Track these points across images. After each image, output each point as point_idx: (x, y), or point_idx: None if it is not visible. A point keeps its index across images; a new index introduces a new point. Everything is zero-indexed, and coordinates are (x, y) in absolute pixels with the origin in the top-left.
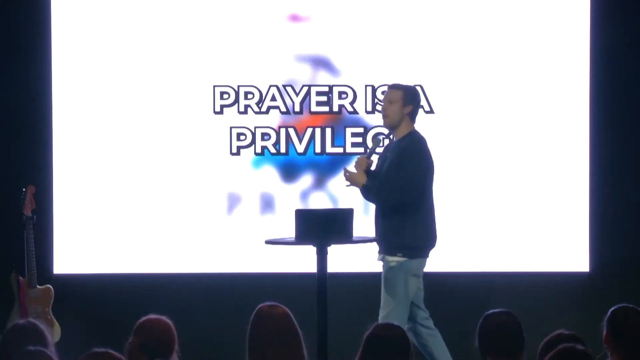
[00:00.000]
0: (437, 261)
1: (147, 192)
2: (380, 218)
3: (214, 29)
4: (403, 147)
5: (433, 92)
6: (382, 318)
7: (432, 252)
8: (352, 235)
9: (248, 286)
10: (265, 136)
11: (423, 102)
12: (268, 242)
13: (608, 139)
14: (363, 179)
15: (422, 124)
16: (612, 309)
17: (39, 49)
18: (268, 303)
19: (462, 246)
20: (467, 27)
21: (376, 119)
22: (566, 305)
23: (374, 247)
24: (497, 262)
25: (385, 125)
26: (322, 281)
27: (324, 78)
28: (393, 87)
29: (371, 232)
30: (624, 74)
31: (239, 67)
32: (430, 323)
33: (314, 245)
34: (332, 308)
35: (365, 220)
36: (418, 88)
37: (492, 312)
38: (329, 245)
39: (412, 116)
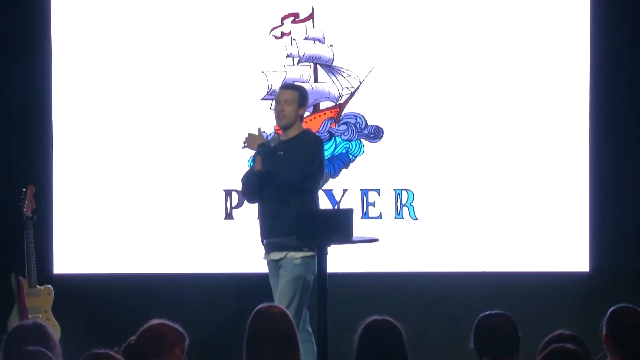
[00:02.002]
0: (437, 261)
1: (146, 192)
2: (288, 217)
3: (214, 27)
4: (304, 138)
5: (433, 91)
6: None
7: (432, 252)
8: (352, 235)
9: (248, 286)
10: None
11: (425, 102)
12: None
13: (608, 139)
14: (261, 139)
15: (422, 123)
16: (612, 309)
17: (39, 49)
18: (266, 303)
19: (462, 246)
20: (467, 27)
21: (374, 119)
22: (566, 305)
23: (374, 247)
24: (497, 262)
25: (281, 125)
26: (322, 281)
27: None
28: (288, 88)
29: (370, 233)
30: (624, 74)
31: (240, 67)
32: (309, 326)
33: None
34: (332, 308)
35: (364, 221)
36: (419, 89)
37: (488, 313)
38: (329, 245)
39: (302, 117)
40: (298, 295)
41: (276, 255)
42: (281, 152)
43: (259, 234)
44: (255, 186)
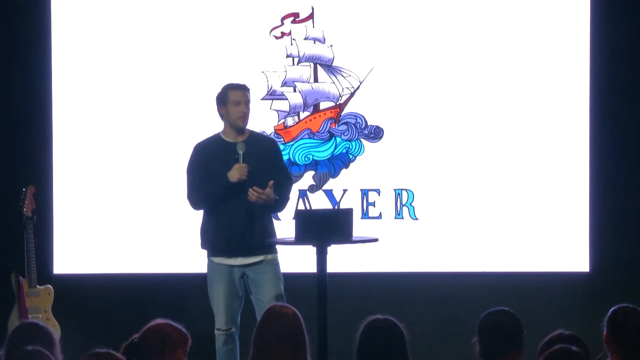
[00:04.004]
0: (437, 261)
1: (147, 192)
2: (264, 219)
3: (214, 27)
4: (268, 146)
5: (433, 91)
6: None
7: (432, 252)
8: (351, 235)
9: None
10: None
11: (425, 102)
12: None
13: (608, 139)
14: (274, 195)
15: (422, 123)
16: (612, 309)
17: (39, 49)
18: (279, 304)
19: (462, 246)
20: (467, 27)
21: (374, 119)
22: (566, 305)
23: (374, 247)
24: (497, 262)
25: (242, 127)
26: (322, 281)
27: (323, 76)
28: (245, 89)
29: (370, 233)
30: (624, 74)
31: (240, 67)
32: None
33: (314, 245)
34: (332, 308)
35: (364, 221)
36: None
37: (490, 311)
38: (329, 245)
39: None
40: (284, 294)
41: (250, 260)
42: (241, 152)
43: (212, 238)
44: (221, 196)
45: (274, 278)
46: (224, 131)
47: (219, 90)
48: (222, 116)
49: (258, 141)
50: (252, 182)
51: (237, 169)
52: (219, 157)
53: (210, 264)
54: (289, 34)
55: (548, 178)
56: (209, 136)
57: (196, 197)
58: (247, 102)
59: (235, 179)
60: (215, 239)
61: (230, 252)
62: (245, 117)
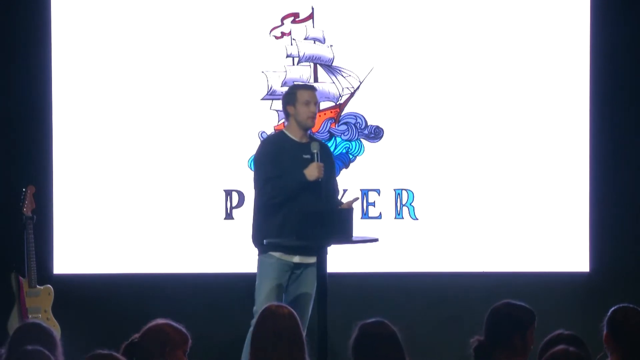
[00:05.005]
0: (437, 261)
1: (147, 192)
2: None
3: (214, 27)
4: (326, 147)
5: (433, 91)
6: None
7: (432, 252)
8: (352, 235)
9: (248, 286)
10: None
11: (425, 102)
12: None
13: (608, 139)
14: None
15: (422, 123)
16: (612, 309)
17: (39, 49)
18: (275, 303)
19: (462, 246)
20: (467, 27)
21: (374, 119)
22: (566, 305)
23: (374, 247)
24: (497, 262)
25: (312, 125)
26: (322, 281)
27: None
28: (315, 89)
29: (370, 233)
30: (624, 74)
31: (240, 67)
32: None
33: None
34: (332, 308)
35: (364, 221)
36: (419, 90)
37: (497, 306)
38: (329, 245)
39: None
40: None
41: (307, 259)
42: (316, 151)
43: (275, 233)
44: (295, 191)
45: (314, 281)
46: (289, 129)
47: (288, 90)
48: (288, 115)
49: (319, 143)
50: (321, 181)
51: (316, 168)
52: (288, 154)
53: (267, 260)
54: (289, 34)
55: (548, 178)
56: (273, 133)
57: (274, 189)
58: (316, 102)
59: (314, 177)
60: (279, 235)
61: (291, 248)
62: (315, 117)
